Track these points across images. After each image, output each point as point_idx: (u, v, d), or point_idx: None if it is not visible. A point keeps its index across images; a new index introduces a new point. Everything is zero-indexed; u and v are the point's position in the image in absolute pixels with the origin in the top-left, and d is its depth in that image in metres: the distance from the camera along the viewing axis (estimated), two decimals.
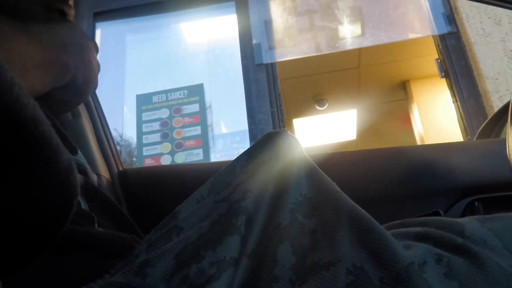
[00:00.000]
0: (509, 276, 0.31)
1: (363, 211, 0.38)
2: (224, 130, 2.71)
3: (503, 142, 0.74)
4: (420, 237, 0.36)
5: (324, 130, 5.23)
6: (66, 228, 0.37)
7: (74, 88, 0.56)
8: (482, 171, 0.98)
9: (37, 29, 0.48)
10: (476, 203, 0.94)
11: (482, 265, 0.31)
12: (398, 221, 0.42)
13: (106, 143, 1.00)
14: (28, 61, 0.45)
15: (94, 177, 0.66)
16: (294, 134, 0.51)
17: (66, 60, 0.52)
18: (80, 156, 0.61)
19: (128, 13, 3.03)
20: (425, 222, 0.39)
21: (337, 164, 1.01)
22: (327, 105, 4.65)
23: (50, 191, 0.28)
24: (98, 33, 2.99)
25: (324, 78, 4.18)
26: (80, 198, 0.52)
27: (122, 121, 2.77)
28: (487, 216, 0.38)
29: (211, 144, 2.60)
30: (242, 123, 2.58)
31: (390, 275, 0.31)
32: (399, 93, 4.50)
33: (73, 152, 0.59)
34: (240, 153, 0.48)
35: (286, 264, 0.34)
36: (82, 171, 0.58)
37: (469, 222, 0.36)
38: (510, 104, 0.73)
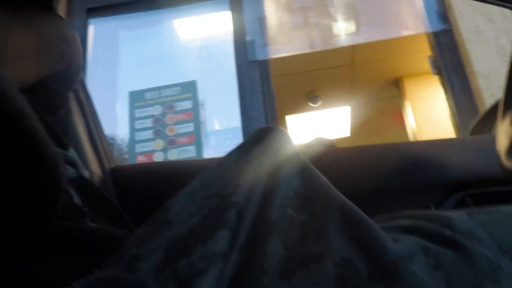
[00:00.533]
0: (496, 268, 0.31)
1: (353, 205, 0.38)
2: (217, 127, 2.70)
3: (494, 138, 0.75)
4: (409, 230, 0.37)
5: (318, 127, 5.24)
6: (57, 223, 0.37)
7: (66, 77, 0.57)
8: (473, 166, 0.99)
9: (32, 18, 0.48)
10: (466, 198, 0.95)
11: (469, 257, 0.32)
12: (387, 215, 0.42)
13: (98, 140, 0.99)
14: (23, 49, 0.45)
15: (86, 174, 0.66)
16: (287, 131, 0.51)
17: (62, 48, 0.52)
18: (71, 152, 0.61)
19: (121, 10, 3.02)
20: (414, 215, 0.39)
21: (330, 161, 1.01)
22: (320, 102, 4.66)
23: (36, 184, 0.28)
24: (90, 29, 2.98)
25: (317, 75, 4.18)
26: (72, 191, 0.52)
27: (115, 118, 2.76)
28: (475, 209, 0.38)
29: (204, 141, 2.59)
30: (235, 120, 2.58)
31: (378, 268, 0.31)
32: (392, 90, 4.51)
33: (64, 147, 0.59)
34: (232, 149, 0.49)
35: (275, 257, 0.34)
36: (74, 166, 0.58)
37: (457, 215, 0.37)
38: (501, 102, 0.73)
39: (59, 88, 0.60)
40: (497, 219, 0.36)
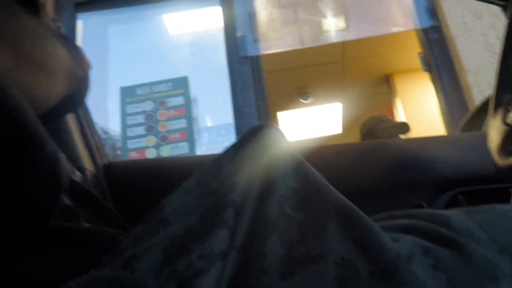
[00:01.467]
0: (495, 268, 0.31)
1: (351, 204, 0.38)
2: (209, 123, 2.70)
3: (485, 135, 0.75)
4: (407, 230, 0.37)
5: (309, 124, 5.25)
6: (50, 223, 0.37)
7: (76, 97, 0.55)
8: (464, 164, 0.99)
9: (56, 34, 0.47)
10: (459, 196, 0.95)
11: (468, 257, 0.32)
12: (385, 214, 0.42)
13: (90, 136, 0.99)
14: (58, 65, 0.44)
15: (76, 177, 0.65)
16: (280, 127, 0.51)
17: (75, 68, 0.51)
18: (63, 157, 0.61)
19: (110, 4, 2.99)
20: (412, 214, 0.39)
21: (322, 157, 1.01)
22: (311, 98, 4.67)
23: (36, 181, 0.28)
24: (79, 24, 2.95)
25: (308, 71, 4.19)
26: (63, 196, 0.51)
27: (106, 114, 2.75)
28: (472, 208, 0.39)
29: (196, 137, 2.59)
30: (227, 116, 2.58)
31: (378, 267, 0.31)
32: (382, 86, 4.53)
33: None
34: (227, 147, 0.48)
35: (275, 257, 0.34)
36: None
37: (455, 215, 0.37)
38: (492, 99, 0.74)
39: (65, 109, 0.58)
40: (494, 218, 0.36)
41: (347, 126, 5.37)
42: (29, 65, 0.42)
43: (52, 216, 0.30)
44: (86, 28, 2.98)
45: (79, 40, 2.87)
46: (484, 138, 0.81)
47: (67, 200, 0.51)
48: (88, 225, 0.49)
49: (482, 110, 1.43)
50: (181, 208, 0.40)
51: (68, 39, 0.51)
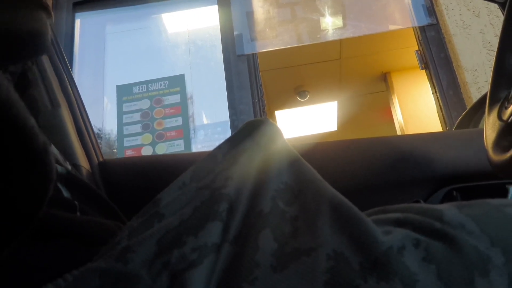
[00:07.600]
0: (486, 259, 0.31)
1: (344, 198, 0.39)
2: (205, 121, 2.70)
3: (481, 132, 0.75)
4: (399, 223, 0.37)
5: (306, 122, 5.26)
6: (46, 214, 0.37)
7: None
8: (460, 160, 0.99)
9: None
10: (454, 192, 0.95)
11: (459, 249, 0.32)
12: (378, 208, 0.42)
13: (86, 133, 0.99)
14: None
15: (68, 167, 0.65)
16: (274, 122, 0.51)
17: None
18: (53, 148, 0.60)
19: (108, 3, 2.99)
20: (404, 208, 0.39)
21: (318, 154, 1.01)
22: (308, 96, 4.67)
23: (25, 173, 0.28)
24: (77, 23, 2.95)
25: (305, 70, 4.19)
26: (61, 186, 0.51)
27: (103, 112, 2.74)
28: (464, 202, 0.39)
29: (192, 135, 2.59)
30: (223, 114, 2.58)
31: (369, 260, 0.32)
32: (379, 84, 4.54)
33: None
34: (222, 141, 0.48)
35: (267, 250, 0.34)
36: (56, 161, 0.57)
37: (447, 208, 0.37)
38: (488, 95, 0.74)
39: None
40: (486, 211, 0.36)
41: (342, 124, 5.39)
42: None
43: (42, 208, 0.30)
44: (84, 28, 2.98)
45: (77, 39, 2.87)
46: (479, 135, 0.81)
47: (65, 193, 0.52)
48: (84, 216, 0.49)
49: (478, 107, 1.44)
50: (176, 202, 0.40)
51: None
